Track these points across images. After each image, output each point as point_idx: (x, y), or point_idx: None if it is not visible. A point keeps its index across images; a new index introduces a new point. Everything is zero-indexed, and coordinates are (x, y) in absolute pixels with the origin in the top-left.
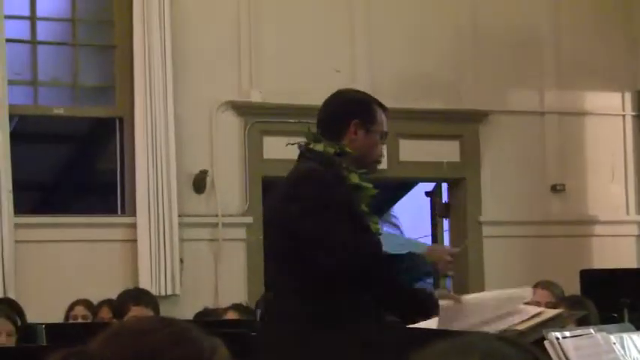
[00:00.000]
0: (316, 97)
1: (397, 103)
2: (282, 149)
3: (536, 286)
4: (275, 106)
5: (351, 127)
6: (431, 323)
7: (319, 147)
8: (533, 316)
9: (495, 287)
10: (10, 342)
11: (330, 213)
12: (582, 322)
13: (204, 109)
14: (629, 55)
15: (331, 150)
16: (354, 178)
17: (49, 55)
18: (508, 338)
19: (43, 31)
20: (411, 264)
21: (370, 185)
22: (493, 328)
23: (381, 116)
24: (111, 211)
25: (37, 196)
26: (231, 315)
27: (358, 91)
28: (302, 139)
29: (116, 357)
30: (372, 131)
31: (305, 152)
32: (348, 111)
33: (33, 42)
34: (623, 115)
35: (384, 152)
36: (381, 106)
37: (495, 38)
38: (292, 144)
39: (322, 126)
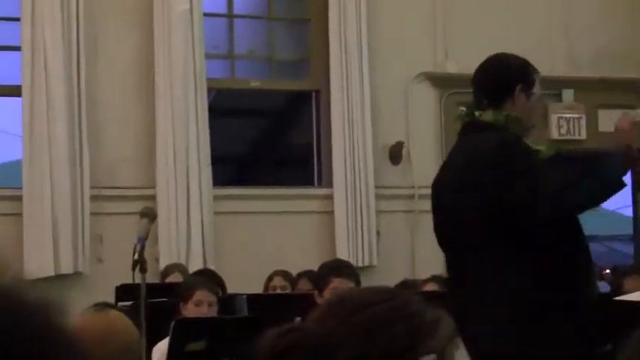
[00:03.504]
0: None
1: (595, 72)
2: None
3: None
4: (471, 77)
5: (515, 92)
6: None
7: (488, 116)
8: None
9: None
10: (212, 312)
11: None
12: None
13: (400, 81)
14: None
15: (502, 118)
16: (531, 143)
17: (246, 28)
18: None
19: (240, 4)
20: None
21: (549, 148)
22: None
23: (538, 79)
24: (307, 183)
25: (233, 170)
26: (431, 287)
27: (515, 56)
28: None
29: (337, 330)
30: (531, 95)
31: (474, 122)
32: (511, 77)
33: (230, 16)
34: None
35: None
36: (535, 70)
37: None
38: (462, 113)
39: (484, 92)
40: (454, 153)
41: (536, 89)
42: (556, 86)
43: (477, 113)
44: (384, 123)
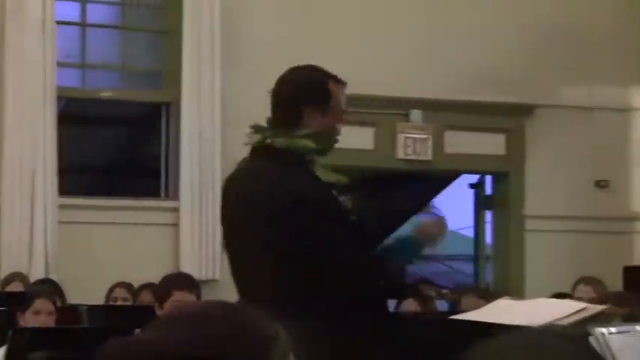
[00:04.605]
0: (373, 88)
1: (444, 94)
2: None
3: (578, 282)
4: None
5: (305, 114)
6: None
7: (280, 142)
8: (577, 312)
9: (537, 281)
10: (50, 322)
11: (322, 222)
12: (627, 320)
13: (253, 95)
14: None
15: (294, 145)
16: (324, 175)
17: (99, 38)
18: (564, 334)
19: (94, 14)
20: (399, 251)
21: (341, 178)
22: (536, 323)
23: (338, 92)
24: (154, 195)
25: (82, 179)
26: None
27: (312, 70)
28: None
29: (175, 344)
30: (328, 111)
31: (266, 149)
32: (302, 96)
33: (83, 25)
34: None
35: (343, 129)
36: (338, 81)
37: (544, 33)
38: (247, 143)
39: (277, 113)
40: (243, 178)
41: (336, 104)
42: (404, 106)
43: (268, 140)
44: (235, 137)
